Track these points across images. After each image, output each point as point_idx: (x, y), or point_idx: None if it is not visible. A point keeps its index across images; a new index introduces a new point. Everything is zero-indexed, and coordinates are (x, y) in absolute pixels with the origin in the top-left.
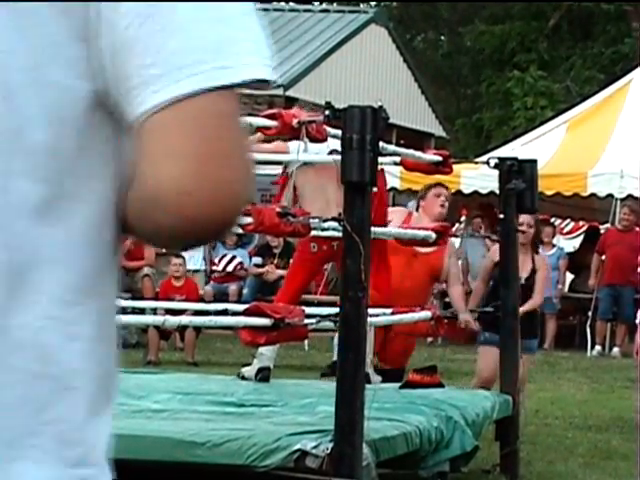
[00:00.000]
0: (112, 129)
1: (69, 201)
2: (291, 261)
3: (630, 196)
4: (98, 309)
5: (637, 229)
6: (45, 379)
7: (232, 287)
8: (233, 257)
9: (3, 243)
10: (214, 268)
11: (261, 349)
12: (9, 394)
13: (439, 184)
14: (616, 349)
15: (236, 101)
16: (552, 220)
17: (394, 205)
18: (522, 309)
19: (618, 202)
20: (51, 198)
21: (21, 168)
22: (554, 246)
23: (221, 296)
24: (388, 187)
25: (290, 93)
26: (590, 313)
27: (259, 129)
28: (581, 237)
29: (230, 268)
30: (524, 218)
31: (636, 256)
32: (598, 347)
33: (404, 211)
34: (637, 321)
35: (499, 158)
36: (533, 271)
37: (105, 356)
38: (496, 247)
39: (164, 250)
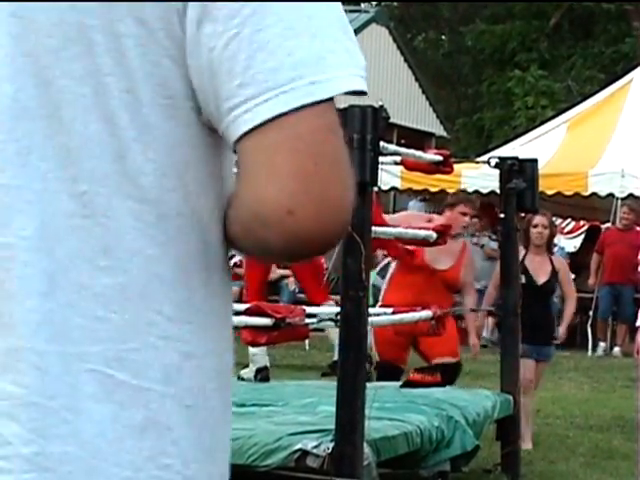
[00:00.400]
0: (214, 146)
1: (177, 219)
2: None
3: (631, 195)
4: (210, 325)
5: (637, 228)
6: (167, 399)
7: (233, 287)
8: (232, 256)
9: (118, 266)
10: None
11: (252, 350)
12: (137, 416)
13: (469, 200)
14: (617, 348)
15: (333, 111)
16: (553, 220)
17: (395, 205)
18: (566, 321)
19: (619, 201)
20: (159, 217)
21: (128, 190)
22: (555, 246)
23: None
24: (389, 187)
25: None
26: (591, 312)
27: None
28: (582, 237)
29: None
30: (539, 220)
31: (636, 255)
32: (602, 344)
33: (423, 216)
34: (637, 323)
35: (500, 157)
36: (553, 273)
37: (218, 372)
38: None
39: None
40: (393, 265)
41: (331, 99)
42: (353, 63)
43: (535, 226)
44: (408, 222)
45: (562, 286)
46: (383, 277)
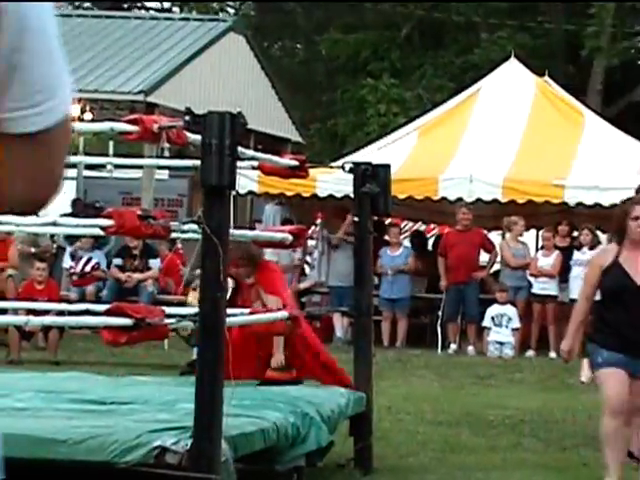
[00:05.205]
0: None
1: None
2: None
3: (479, 200)
4: None
5: (476, 228)
6: None
7: (89, 288)
8: (90, 258)
9: None
10: (72, 271)
11: None
12: None
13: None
14: (470, 347)
15: None
16: (405, 222)
17: (252, 208)
18: None
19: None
20: None
21: None
22: (401, 246)
23: (83, 298)
24: (246, 191)
25: (151, 99)
26: (440, 313)
27: (121, 134)
28: (433, 239)
29: (88, 269)
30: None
31: (477, 254)
32: (454, 346)
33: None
34: (484, 323)
35: (354, 163)
36: None
37: None
38: (601, 251)
39: (29, 251)
40: None
41: None
42: None
43: (636, 218)
44: None
45: None
46: None
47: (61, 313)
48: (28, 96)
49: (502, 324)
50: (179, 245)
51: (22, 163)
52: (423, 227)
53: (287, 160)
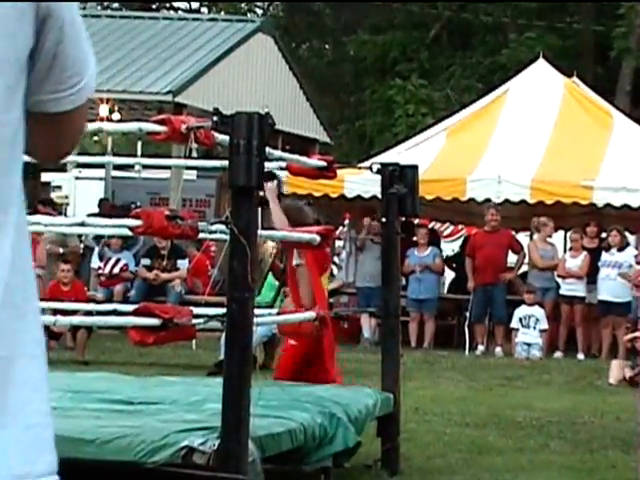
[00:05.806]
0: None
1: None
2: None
3: (507, 201)
4: None
5: (503, 229)
6: None
7: (117, 288)
8: (118, 260)
9: None
10: (100, 272)
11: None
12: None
13: None
14: (498, 349)
15: None
16: (432, 224)
17: None
18: None
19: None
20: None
21: None
22: (429, 246)
23: (111, 298)
24: None
25: (179, 99)
26: (467, 314)
27: (149, 134)
28: (460, 240)
29: (116, 270)
30: None
31: (505, 255)
32: (481, 347)
33: None
34: (512, 325)
35: (381, 163)
36: None
37: None
38: None
39: (57, 252)
40: None
41: None
42: None
43: None
44: None
45: None
46: None
47: (89, 313)
48: (65, 79)
49: (530, 325)
50: (212, 247)
51: (53, 134)
52: (441, 226)
53: (315, 161)
